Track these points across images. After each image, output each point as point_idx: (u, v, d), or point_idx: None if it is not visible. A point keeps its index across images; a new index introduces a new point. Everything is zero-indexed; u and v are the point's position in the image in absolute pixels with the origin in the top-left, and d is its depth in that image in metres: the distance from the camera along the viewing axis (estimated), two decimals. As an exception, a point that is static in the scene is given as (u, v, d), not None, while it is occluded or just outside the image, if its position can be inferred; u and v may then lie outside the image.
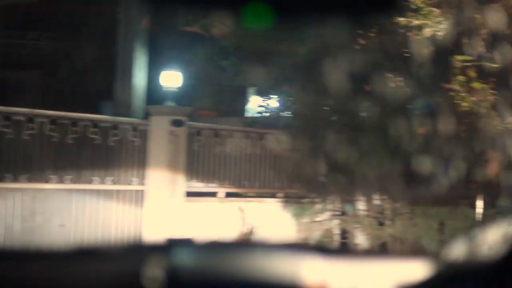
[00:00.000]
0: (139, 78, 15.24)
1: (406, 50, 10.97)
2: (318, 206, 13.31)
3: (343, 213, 13.35)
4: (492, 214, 12.82)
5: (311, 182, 12.68)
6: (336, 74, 10.86)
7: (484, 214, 12.76)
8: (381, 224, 12.53)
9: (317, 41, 11.29)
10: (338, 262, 1.90)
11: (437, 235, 12.24)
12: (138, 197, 13.83)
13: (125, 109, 14.87)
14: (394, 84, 10.81)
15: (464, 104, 11.01)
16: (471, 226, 12.39)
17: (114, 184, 13.60)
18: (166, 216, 13.55)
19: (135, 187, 13.79)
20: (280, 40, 12.37)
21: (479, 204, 12.88)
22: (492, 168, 12.76)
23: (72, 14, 18.23)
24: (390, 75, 10.85)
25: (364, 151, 11.25)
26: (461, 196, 12.48)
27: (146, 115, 14.41)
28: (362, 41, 11.06)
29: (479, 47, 11.16)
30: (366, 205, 12.80)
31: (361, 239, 13.04)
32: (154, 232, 13.22)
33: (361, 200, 12.84)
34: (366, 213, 12.74)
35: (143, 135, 14.01)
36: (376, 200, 12.71)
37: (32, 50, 19.42)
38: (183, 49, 17.05)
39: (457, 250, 1.65)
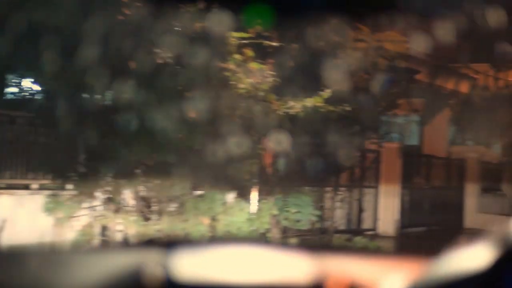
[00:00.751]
0: None
1: (177, 24, 9.70)
2: (76, 200, 11.71)
3: (105, 208, 11.85)
4: (268, 207, 11.95)
5: (68, 173, 11.14)
6: (88, 53, 9.40)
7: (259, 208, 11.85)
8: (147, 219, 11.17)
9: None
10: (327, 258, 1.90)
11: (209, 230, 11.10)
12: None
13: None
14: (162, 61, 9.52)
15: (241, 85, 9.94)
16: (246, 220, 11.43)
17: None
18: None
19: None
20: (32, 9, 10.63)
21: (254, 197, 11.95)
22: (268, 158, 11.90)
23: None
24: (158, 50, 9.55)
25: (127, 140, 9.89)
26: (236, 188, 11.47)
27: None
28: (127, 11, 9.64)
29: (258, 25, 10.14)
30: (131, 199, 11.39)
31: (123, 235, 11.63)
32: None
33: (126, 194, 11.41)
34: (130, 208, 11.32)
35: None
36: (142, 194, 11.33)
37: None
38: None
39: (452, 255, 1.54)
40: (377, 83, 12.51)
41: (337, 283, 1.81)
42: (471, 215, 19.92)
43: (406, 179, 17.94)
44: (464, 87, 20.92)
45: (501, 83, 20.71)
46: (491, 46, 18.06)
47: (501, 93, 20.26)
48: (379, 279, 1.84)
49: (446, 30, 13.65)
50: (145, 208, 11.23)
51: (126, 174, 10.93)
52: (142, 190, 11.22)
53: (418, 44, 17.63)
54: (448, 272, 1.51)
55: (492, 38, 14.15)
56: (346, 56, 11.79)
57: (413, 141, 20.07)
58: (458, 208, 19.89)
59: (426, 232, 18.21)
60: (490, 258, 1.42)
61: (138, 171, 10.99)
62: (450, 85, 20.32)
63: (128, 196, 11.33)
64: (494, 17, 12.79)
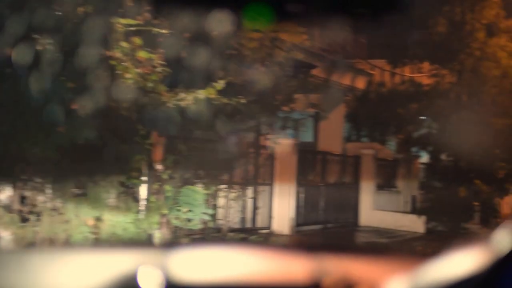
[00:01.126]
0: None
1: (59, 8, 8.94)
2: None
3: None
4: (157, 206, 11.30)
5: None
6: None
7: (148, 207, 11.16)
8: (25, 220, 10.34)
9: None
10: (324, 258, 1.93)
11: (92, 231, 10.35)
12: None
13: None
14: (41, 47, 8.72)
15: (128, 75, 9.25)
16: (133, 221, 10.74)
17: None
18: None
19: None
20: None
21: (142, 196, 11.26)
22: (157, 153, 11.27)
23: None
24: (36, 36, 8.75)
25: (3, 133, 9.09)
26: (122, 186, 10.76)
27: None
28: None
29: (145, 12, 9.49)
30: (7, 198, 10.54)
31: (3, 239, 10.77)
32: None
33: (2, 192, 10.56)
34: (7, 207, 10.46)
35: None
36: (20, 192, 10.48)
37: None
38: None
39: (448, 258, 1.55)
40: (273, 76, 12.02)
41: (335, 282, 1.82)
42: (367, 212, 19.77)
43: (301, 177, 17.58)
44: (360, 83, 20.74)
45: (397, 79, 20.61)
46: (388, 41, 17.89)
47: (397, 90, 20.16)
48: (376, 279, 1.85)
49: (343, 25, 13.29)
50: (23, 208, 10.39)
51: (2, 170, 10.10)
52: (20, 188, 10.38)
53: (315, 38, 17.28)
54: (444, 275, 1.51)
55: (389, 34, 13.89)
56: (240, 47, 11.26)
57: (309, 137, 19.74)
58: (353, 206, 19.71)
59: (321, 230, 17.94)
60: (485, 261, 1.43)
61: (16, 167, 10.17)
62: (346, 80, 20.09)
63: (4, 194, 10.48)
64: (389, 13, 12.51)
